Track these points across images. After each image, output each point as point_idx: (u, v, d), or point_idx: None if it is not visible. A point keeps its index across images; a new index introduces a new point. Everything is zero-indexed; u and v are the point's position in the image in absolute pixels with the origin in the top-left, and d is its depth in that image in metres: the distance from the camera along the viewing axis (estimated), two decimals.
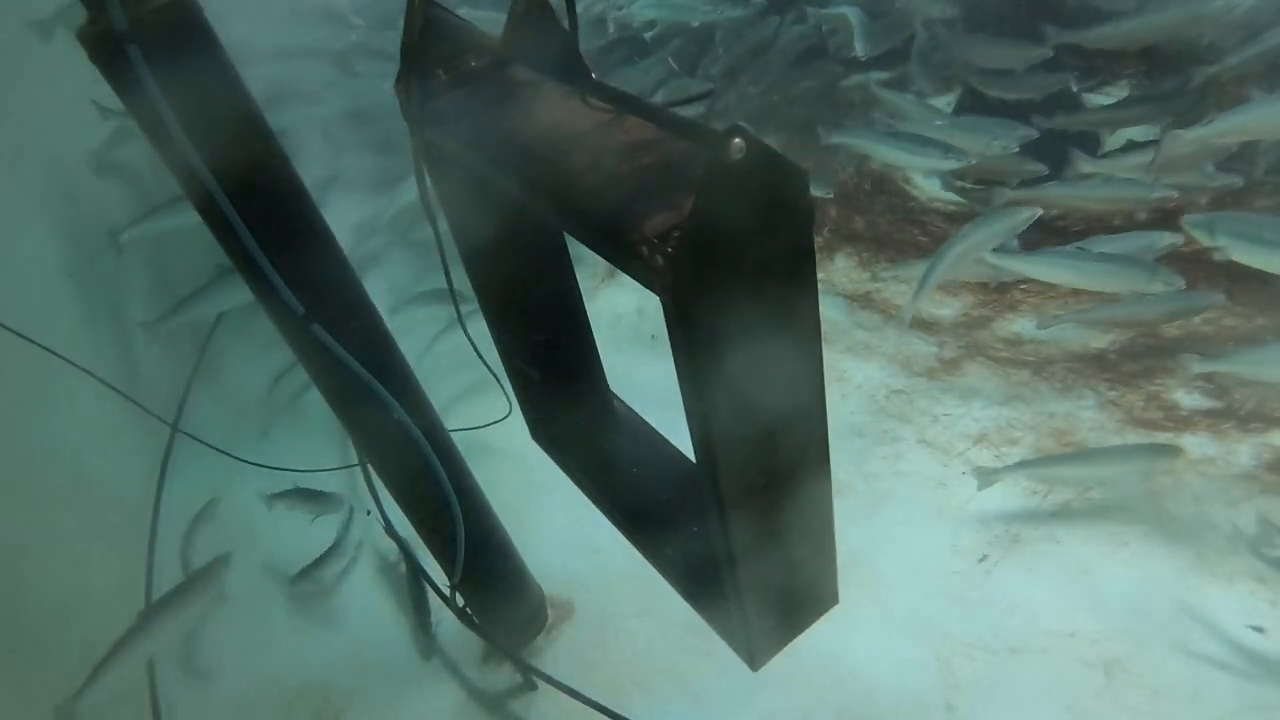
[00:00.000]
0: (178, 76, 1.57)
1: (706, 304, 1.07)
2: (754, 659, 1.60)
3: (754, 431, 1.26)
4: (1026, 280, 4.25)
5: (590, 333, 2.01)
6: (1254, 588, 2.97)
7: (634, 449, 1.98)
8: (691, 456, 1.29)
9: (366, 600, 3.62)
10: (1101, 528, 3.26)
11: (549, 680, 3.00)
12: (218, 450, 4.01)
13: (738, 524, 1.33)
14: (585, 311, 1.97)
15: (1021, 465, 3.37)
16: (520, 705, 3.13)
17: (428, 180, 1.56)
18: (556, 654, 3.24)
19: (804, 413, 1.32)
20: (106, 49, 1.53)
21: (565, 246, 1.85)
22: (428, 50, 1.50)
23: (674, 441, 1.97)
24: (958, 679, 2.92)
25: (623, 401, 2.12)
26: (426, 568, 3.34)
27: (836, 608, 1.65)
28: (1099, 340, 3.97)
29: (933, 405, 3.88)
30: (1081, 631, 2.97)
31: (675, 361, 1.13)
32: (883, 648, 3.02)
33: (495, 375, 2.29)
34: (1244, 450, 3.38)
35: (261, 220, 1.80)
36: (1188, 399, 3.64)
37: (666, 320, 1.08)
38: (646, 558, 1.78)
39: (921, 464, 3.63)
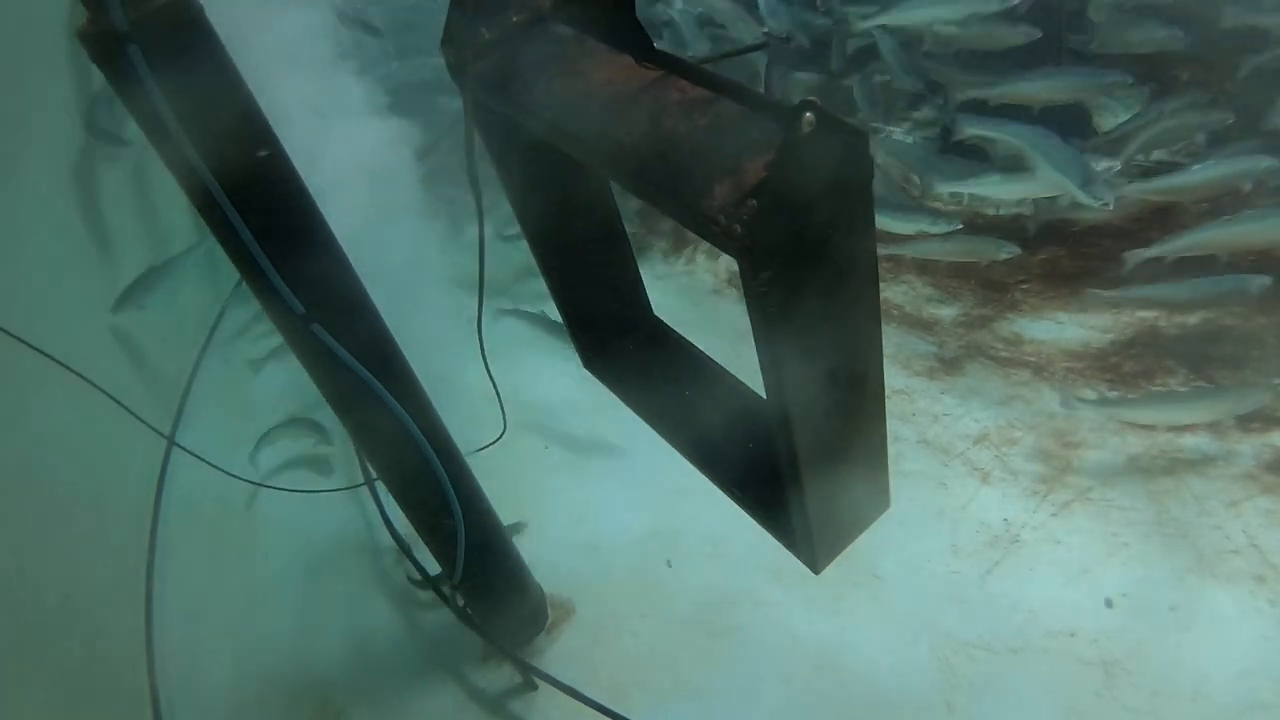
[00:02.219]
0: (178, 76, 1.58)
1: (780, 263, 1.14)
2: (817, 564, 1.69)
3: (822, 371, 1.35)
4: (1027, 280, 4.25)
5: (633, 256, 2.05)
6: (1254, 588, 2.97)
7: (687, 372, 2.04)
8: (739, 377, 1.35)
9: (366, 600, 3.62)
10: (1101, 528, 3.26)
11: (549, 680, 3.00)
12: (213, 466, 3.99)
13: (805, 453, 1.41)
14: (627, 235, 2.01)
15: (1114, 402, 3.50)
16: (520, 705, 3.13)
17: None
18: (557, 653, 3.23)
19: (864, 346, 1.41)
20: (107, 49, 1.53)
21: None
22: (474, 9, 1.51)
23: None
24: (958, 679, 2.92)
25: (669, 326, 2.16)
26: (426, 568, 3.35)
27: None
28: (1099, 340, 3.97)
29: (933, 405, 3.87)
30: (1081, 631, 2.97)
31: (750, 316, 1.20)
32: (883, 647, 3.02)
33: (498, 390, 2.30)
34: (1244, 450, 3.38)
35: (262, 220, 1.80)
36: None
37: (742, 278, 1.15)
38: (707, 475, 1.85)
39: (922, 464, 3.63)
